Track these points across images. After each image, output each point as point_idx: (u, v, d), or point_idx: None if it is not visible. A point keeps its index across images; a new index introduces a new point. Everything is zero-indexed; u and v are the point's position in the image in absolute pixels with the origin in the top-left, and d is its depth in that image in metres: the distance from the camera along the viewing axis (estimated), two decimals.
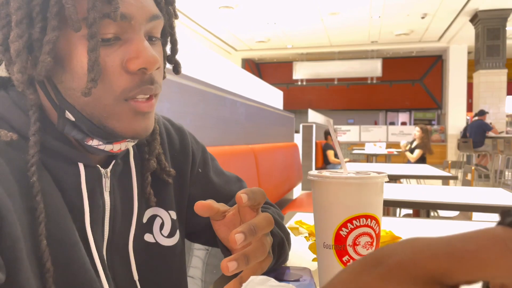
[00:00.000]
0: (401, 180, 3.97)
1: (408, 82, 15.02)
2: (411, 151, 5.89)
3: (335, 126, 11.62)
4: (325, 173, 0.56)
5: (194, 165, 0.72)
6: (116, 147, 0.55)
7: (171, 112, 1.65)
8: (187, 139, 0.73)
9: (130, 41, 0.50)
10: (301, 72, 13.84)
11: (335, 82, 14.44)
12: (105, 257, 0.56)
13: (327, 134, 6.97)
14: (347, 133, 12.66)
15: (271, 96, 4.02)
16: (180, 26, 9.17)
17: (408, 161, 5.90)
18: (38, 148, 0.49)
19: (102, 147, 0.54)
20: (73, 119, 0.51)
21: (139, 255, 0.60)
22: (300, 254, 0.78)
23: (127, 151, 0.62)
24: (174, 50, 0.62)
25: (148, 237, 0.62)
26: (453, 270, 0.18)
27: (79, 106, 0.50)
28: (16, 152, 0.48)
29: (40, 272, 0.47)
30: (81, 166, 0.54)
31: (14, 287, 0.43)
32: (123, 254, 0.58)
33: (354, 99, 15.64)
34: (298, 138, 5.90)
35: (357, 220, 0.53)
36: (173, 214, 0.66)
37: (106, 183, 0.57)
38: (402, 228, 1.06)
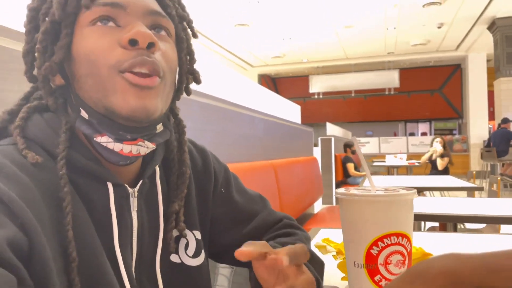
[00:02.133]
0: (425, 192, 3.89)
1: (427, 92, 14.85)
2: (432, 162, 5.77)
3: None
4: (353, 190, 0.55)
5: (216, 185, 0.72)
6: (127, 149, 0.53)
7: (192, 130, 1.67)
8: (209, 159, 0.73)
9: (126, 25, 0.52)
10: (318, 85, 13.84)
11: (352, 94, 14.38)
12: (134, 276, 0.56)
13: (346, 146, 6.91)
14: (366, 145, 12.53)
15: (289, 111, 4.03)
16: (198, 45, 9.33)
17: (431, 172, 5.79)
18: (65, 170, 0.50)
19: (111, 145, 0.53)
20: (86, 116, 0.52)
21: (166, 275, 0.60)
22: (328, 273, 0.77)
23: (154, 171, 0.62)
24: (192, 59, 0.64)
25: (174, 258, 0.62)
26: (492, 280, 0.21)
27: (87, 96, 0.52)
28: (45, 174, 0.49)
29: None
30: (109, 185, 0.54)
31: None
32: (150, 274, 0.59)
33: (372, 110, 15.53)
34: (317, 152, 5.87)
35: (388, 238, 0.52)
36: (198, 234, 0.66)
37: (134, 202, 0.57)
38: (430, 242, 1.03)
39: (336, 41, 10.59)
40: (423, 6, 8.19)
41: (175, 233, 0.63)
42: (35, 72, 0.56)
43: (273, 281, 0.55)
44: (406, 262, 0.53)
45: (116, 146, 0.53)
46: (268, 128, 2.77)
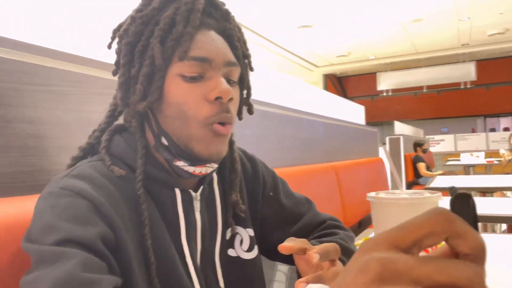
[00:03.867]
0: (507, 193, 3.66)
1: (508, 84, 13.71)
2: None
3: (427, 136, 11.00)
4: (381, 194, 0.62)
5: (265, 189, 0.82)
6: (198, 170, 0.66)
7: (253, 137, 1.78)
8: (258, 166, 0.84)
9: (210, 79, 0.63)
10: (386, 82, 13.38)
11: (424, 90, 13.70)
12: (199, 267, 0.67)
13: (416, 145, 6.65)
14: (441, 143, 11.87)
15: (352, 112, 4.01)
16: (262, 50, 9.51)
17: None
18: (142, 183, 0.63)
19: (186, 168, 0.65)
20: (166, 143, 0.64)
21: (225, 267, 0.71)
22: None
23: (212, 178, 0.74)
24: (248, 94, 0.75)
25: (231, 252, 0.73)
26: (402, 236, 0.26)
27: (171, 132, 0.63)
28: (127, 184, 0.63)
29: (148, 278, 0.59)
30: (177, 191, 0.67)
31: None
32: (212, 266, 0.70)
33: (446, 106, 14.66)
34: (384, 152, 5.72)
35: None
36: (250, 231, 0.76)
37: (197, 205, 0.69)
38: (504, 244, 1.03)
39: (404, 35, 10.20)
40: None
41: (229, 233, 0.74)
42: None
43: (311, 273, 0.63)
44: (429, 250, 0.58)
45: (190, 169, 0.65)
46: (329, 130, 2.81)
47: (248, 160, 0.84)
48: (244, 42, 0.72)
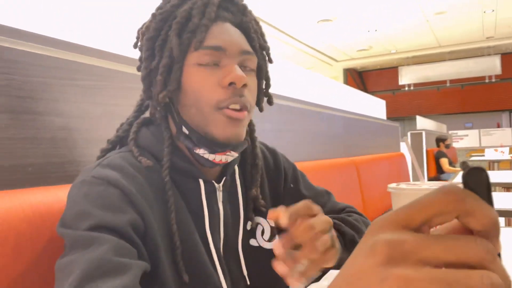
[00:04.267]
0: None
1: None
2: None
3: (450, 131, 10.79)
4: (402, 185, 0.63)
5: (286, 181, 0.84)
6: (218, 158, 0.68)
7: (272, 132, 1.79)
8: (279, 159, 0.85)
9: (225, 66, 0.65)
10: (408, 76, 13.17)
11: (447, 84, 13.43)
12: (222, 255, 0.70)
13: (439, 141, 6.54)
14: (465, 138, 11.62)
15: (372, 106, 3.98)
16: (281, 45, 9.49)
17: None
18: (168, 171, 0.65)
19: (206, 156, 0.67)
20: (187, 132, 0.67)
21: (247, 256, 0.73)
22: None
23: (234, 170, 0.76)
24: (267, 85, 0.76)
25: (252, 242, 0.75)
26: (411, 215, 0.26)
27: (189, 120, 0.66)
28: (154, 174, 0.65)
29: (174, 265, 0.62)
30: (201, 181, 0.69)
31: (155, 275, 0.59)
32: (235, 255, 0.72)
33: (470, 100, 14.31)
34: (406, 147, 5.65)
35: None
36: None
37: (219, 195, 0.71)
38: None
39: (427, 28, 10.00)
40: None
41: (250, 225, 0.76)
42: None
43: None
44: None
45: (211, 156, 0.67)
46: (349, 125, 2.80)
47: (269, 153, 0.86)
48: (262, 34, 0.74)
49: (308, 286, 0.61)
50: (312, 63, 12.06)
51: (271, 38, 8.63)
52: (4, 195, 0.69)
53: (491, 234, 0.25)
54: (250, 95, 0.68)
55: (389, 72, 14.39)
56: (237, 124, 0.65)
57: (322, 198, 0.87)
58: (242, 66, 0.67)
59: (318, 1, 7.83)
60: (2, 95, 0.77)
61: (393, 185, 0.62)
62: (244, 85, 0.65)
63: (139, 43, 0.72)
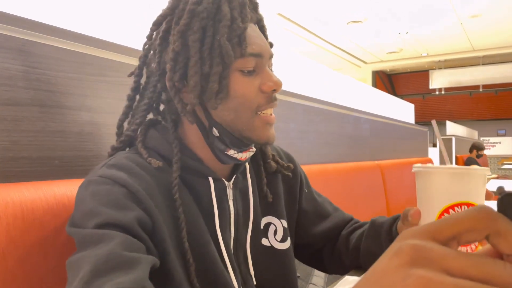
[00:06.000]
0: None
1: None
2: None
3: (482, 138, 10.45)
4: (429, 165, 0.61)
5: (302, 185, 0.85)
6: (244, 156, 0.70)
7: (296, 132, 1.78)
8: (295, 162, 0.86)
9: (262, 72, 0.67)
10: (439, 80, 12.83)
11: (480, 90, 13.01)
12: (232, 253, 0.70)
13: (473, 148, 6.34)
14: (497, 145, 11.25)
15: (401, 110, 3.90)
16: (310, 46, 9.43)
17: None
18: (179, 172, 0.66)
19: (235, 155, 0.69)
20: (217, 134, 0.67)
21: (257, 256, 0.73)
22: None
23: (245, 168, 0.76)
24: None
25: (264, 241, 0.75)
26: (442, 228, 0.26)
27: (225, 124, 0.67)
28: (163, 174, 0.66)
29: (184, 264, 0.62)
30: (210, 180, 0.69)
31: (164, 272, 0.59)
32: (244, 254, 0.72)
33: (504, 107, 13.82)
34: (435, 153, 5.52)
35: (459, 207, 0.56)
36: (284, 223, 0.78)
37: (229, 193, 0.72)
38: None
39: (460, 32, 9.72)
40: None
41: (265, 220, 0.76)
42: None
43: None
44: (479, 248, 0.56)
45: (239, 155, 0.69)
46: (375, 128, 2.75)
47: (284, 155, 0.87)
48: (266, 31, 0.76)
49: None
50: (341, 64, 11.94)
51: (300, 38, 8.59)
52: (29, 187, 0.71)
53: None
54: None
55: (420, 75, 14.07)
56: (272, 127, 0.69)
57: (329, 206, 0.89)
58: (270, 69, 0.70)
59: (348, 2, 7.74)
60: (32, 89, 0.80)
61: (419, 165, 0.60)
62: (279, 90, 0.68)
63: (170, 37, 0.66)
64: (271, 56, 0.70)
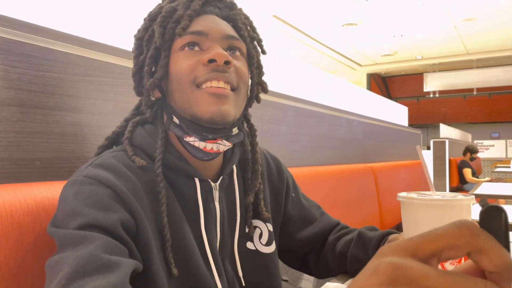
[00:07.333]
0: None
1: None
2: None
3: (476, 141, 10.50)
4: (412, 194, 0.60)
5: (288, 190, 0.83)
6: (209, 146, 0.66)
7: (287, 135, 1.77)
8: (283, 168, 0.85)
9: (207, 48, 0.65)
10: (433, 83, 12.89)
11: (474, 93, 13.08)
12: (218, 255, 0.68)
13: (467, 150, 6.35)
14: (490, 148, 11.32)
15: (394, 113, 3.90)
16: (305, 48, 9.44)
17: None
18: (161, 169, 0.64)
19: (197, 144, 0.66)
20: (177, 121, 0.66)
21: (243, 259, 0.72)
22: None
23: (232, 170, 0.74)
24: (260, 73, 0.75)
25: (249, 245, 0.74)
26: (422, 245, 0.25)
27: (176, 106, 0.65)
28: (147, 173, 0.64)
29: (166, 266, 0.61)
30: (196, 180, 0.68)
31: (148, 276, 0.57)
32: (231, 256, 0.70)
33: (498, 110, 13.92)
34: (428, 155, 5.53)
35: None
36: (270, 227, 0.77)
37: (216, 195, 0.70)
38: None
39: (455, 35, 9.78)
40: None
41: (247, 228, 0.75)
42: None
43: None
44: (462, 260, 0.55)
45: (201, 144, 0.66)
46: (368, 131, 2.75)
47: (273, 161, 0.86)
48: (252, 28, 0.74)
49: None
50: (336, 67, 11.96)
51: (295, 40, 8.60)
52: (9, 189, 0.69)
53: (503, 278, 0.24)
54: (237, 76, 0.67)
55: (414, 78, 14.13)
56: (222, 101, 0.63)
57: (316, 210, 0.88)
58: (229, 50, 0.68)
59: (343, 5, 7.75)
60: (13, 88, 0.78)
61: (403, 194, 0.59)
62: (228, 64, 0.64)
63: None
64: (227, 36, 0.67)
